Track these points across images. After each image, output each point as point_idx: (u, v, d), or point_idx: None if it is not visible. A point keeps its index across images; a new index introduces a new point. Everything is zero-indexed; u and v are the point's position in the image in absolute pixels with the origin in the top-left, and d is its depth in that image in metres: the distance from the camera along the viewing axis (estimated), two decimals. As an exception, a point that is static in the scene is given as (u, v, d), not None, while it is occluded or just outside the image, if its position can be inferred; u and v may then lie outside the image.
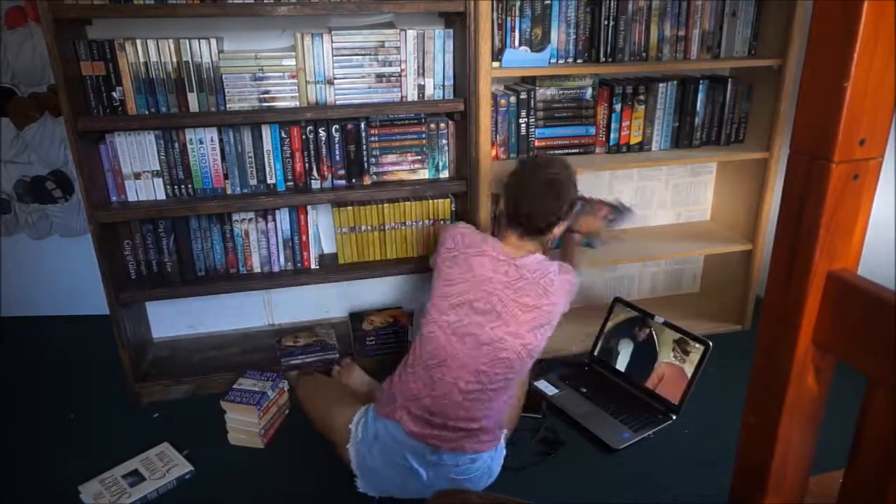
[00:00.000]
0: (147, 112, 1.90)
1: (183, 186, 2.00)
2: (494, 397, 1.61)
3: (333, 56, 1.95)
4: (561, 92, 2.16)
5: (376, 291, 2.48)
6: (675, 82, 2.23)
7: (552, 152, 2.20)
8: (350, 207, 2.12)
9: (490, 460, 1.65)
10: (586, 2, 2.06)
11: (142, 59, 1.86)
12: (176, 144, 1.95)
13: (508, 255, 1.65)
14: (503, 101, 2.11)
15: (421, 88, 2.04)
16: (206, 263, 2.10)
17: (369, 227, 2.16)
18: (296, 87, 1.96)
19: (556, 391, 2.10)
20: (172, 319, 2.38)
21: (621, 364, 2.18)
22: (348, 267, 2.18)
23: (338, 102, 2.00)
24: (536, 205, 1.65)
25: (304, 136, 2.01)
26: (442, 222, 2.19)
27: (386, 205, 2.14)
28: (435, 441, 1.57)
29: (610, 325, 2.26)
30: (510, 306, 1.60)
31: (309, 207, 2.10)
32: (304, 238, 2.13)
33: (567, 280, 1.68)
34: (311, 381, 1.99)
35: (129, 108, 1.89)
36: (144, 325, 2.30)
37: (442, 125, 2.10)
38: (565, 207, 1.69)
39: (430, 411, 1.58)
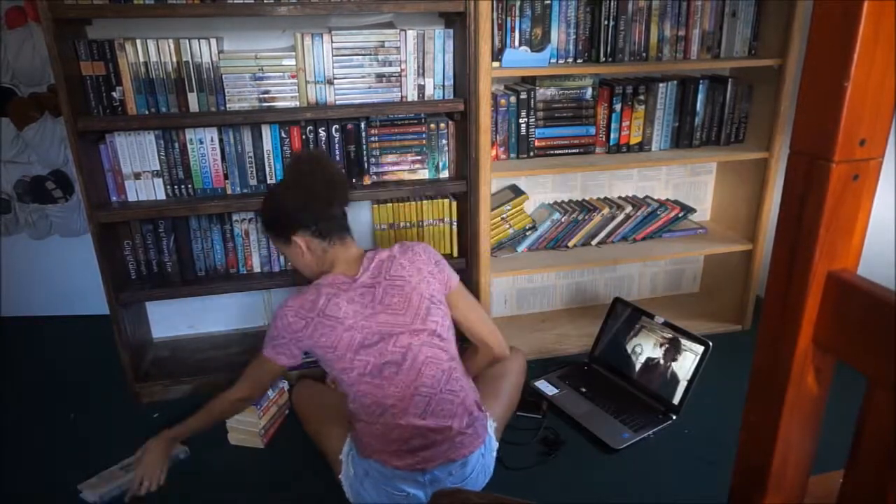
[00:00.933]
0: (147, 112, 1.90)
1: (183, 186, 2.00)
2: (450, 394, 1.55)
3: (333, 56, 1.95)
4: (561, 92, 2.16)
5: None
6: (675, 82, 2.23)
7: (552, 152, 2.21)
8: (390, 204, 2.14)
9: (482, 457, 1.61)
10: (586, 2, 2.06)
11: (142, 59, 1.86)
12: (176, 144, 1.95)
13: (347, 278, 1.54)
14: (503, 101, 2.11)
15: (421, 88, 2.04)
16: (206, 263, 2.10)
17: (408, 224, 2.18)
18: (296, 87, 1.96)
19: (556, 391, 2.11)
20: (172, 319, 2.38)
21: (626, 366, 2.17)
22: None
23: (338, 102, 2.00)
24: (329, 196, 1.54)
25: (304, 136, 2.01)
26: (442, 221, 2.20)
27: (425, 202, 2.17)
28: (421, 465, 1.53)
29: (610, 325, 2.26)
30: (387, 318, 1.52)
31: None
32: (304, 238, 2.13)
33: (415, 253, 1.59)
34: (306, 391, 1.95)
35: (129, 108, 1.89)
36: (144, 325, 2.30)
37: (442, 125, 2.10)
38: (346, 186, 1.65)
39: (403, 442, 1.53)
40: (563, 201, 2.43)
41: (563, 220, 2.28)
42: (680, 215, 2.38)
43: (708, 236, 2.44)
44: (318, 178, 1.56)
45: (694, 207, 2.44)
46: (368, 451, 1.56)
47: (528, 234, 2.27)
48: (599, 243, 2.35)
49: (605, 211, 2.30)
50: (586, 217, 2.29)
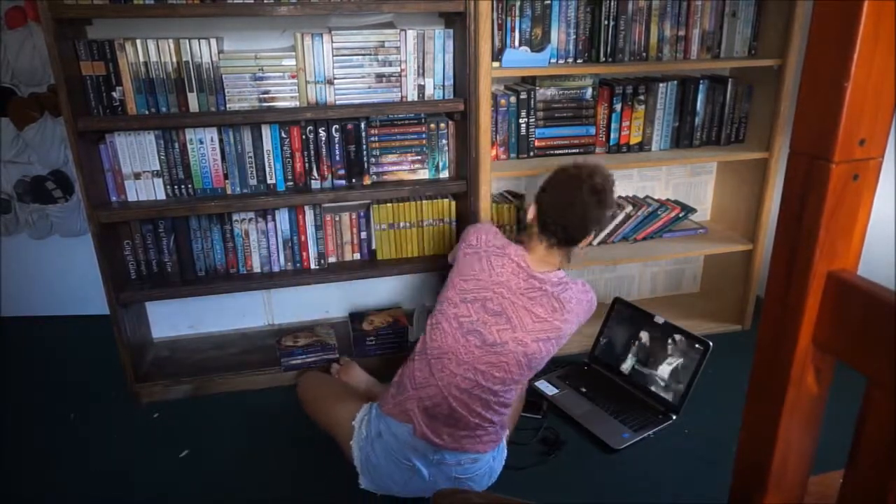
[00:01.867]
0: (147, 112, 1.90)
1: (183, 186, 2.00)
2: (492, 402, 1.59)
3: (333, 56, 1.95)
4: (561, 92, 2.16)
5: (377, 291, 2.48)
6: (675, 82, 2.23)
7: (552, 152, 2.21)
8: (390, 204, 2.15)
9: (492, 461, 1.65)
10: (586, 2, 2.06)
11: (142, 59, 1.86)
12: (176, 144, 1.95)
13: (529, 266, 1.60)
14: (503, 101, 2.11)
15: (421, 88, 2.04)
16: (206, 263, 2.10)
17: (407, 224, 2.19)
18: (296, 87, 1.96)
19: (556, 391, 2.11)
20: (172, 319, 2.38)
21: (626, 366, 2.17)
22: (383, 263, 2.20)
23: (338, 102, 2.00)
24: (580, 216, 1.57)
25: (304, 136, 2.01)
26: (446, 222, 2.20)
27: (425, 202, 2.18)
28: (438, 441, 1.57)
29: (610, 325, 2.26)
30: (521, 313, 1.57)
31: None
32: (303, 238, 2.13)
33: (587, 300, 1.65)
34: (310, 378, 1.98)
35: (129, 108, 1.89)
36: (144, 325, 2.30)
37: (442, 125, 2.10)
38: (607, 219, 1.67)
39: (433, 401, 1.57)
40: None
41: None
42: (680, 215, 2.38)
43: (708, 236, 2.44)
44: (564, 198, 1.59)
45: (694, 207, 2.44)
46: (398, 405, 1.60)
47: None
48: (600, 243, 2.35)
49: None
50: None
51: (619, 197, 2.46)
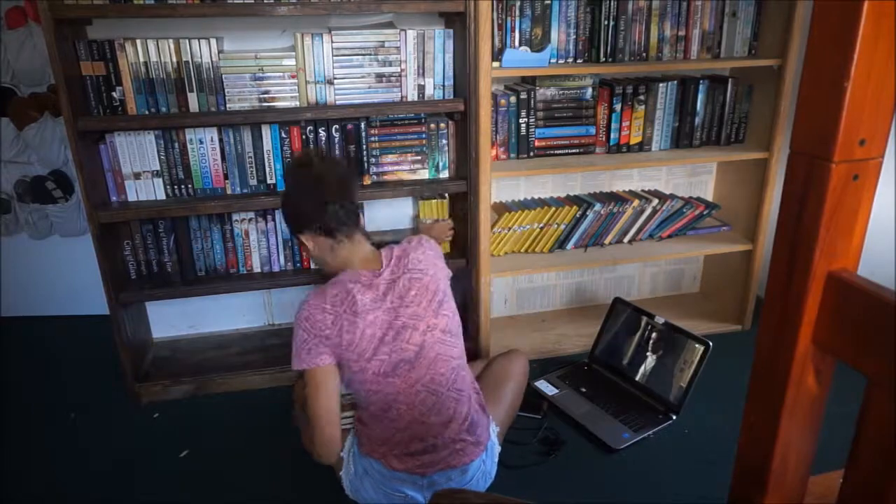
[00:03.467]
0: (147, 112, 1.90)
1: (183, 186, 2.00)
2: (456, 393, 1.55)
3: (333, 56, 1.95)
4: (561, 92, 2.16)
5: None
6: (675, 82, 2.23)
7: (552, 152, 2.21)
8: (435, 200, 2.17)
9: (482, 464, 1.61)
10: (586, 2, 2.06)
11: (142, 59, 1.86)
12: (176, 144, 1.95)
13: (370, 274, 1.51)
14: (503, 101, 2.11)
15: (421, 88, 2.04)
16: (206, 263, 2.10)
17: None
18: (296, 87, 1.96)
19: (556, 391, 2.11)
20: (172, 319, 2.38)
21: (626, 366, 2.17)
22: None
23: (338, 102, 2.00)
24: (334, 183, 1.52)
25: (304, 136, 2.01)
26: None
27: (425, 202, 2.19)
28: (421, 469, 1.53)
29: (610, 324, 2.26)
30: (407, 313, 1.50)
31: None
32: (304, 238, 2.13)
33: (426, 247, 1.60)
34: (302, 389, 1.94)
35: (129, 108, 1.89)
36: (144, 325, 2.30)
37: (442, 125, 2.10)
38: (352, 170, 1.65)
39: (405, 445, 1.53)
40: (590, 193, 2.45)
41: (602, 211, 2.27)
42: (704, 213, 2.39)
43: (708, 236, 2.44)
44: (308, 180, 1.54)
45: (717, 204, 2.44)
46: (369, 449, 1.56)
47: (574, 229, 2.29)
48: (631, 240, 2.36)
49: (636, 203, 2.30)
50: (621, 209, 2.29)
51: (642, 191, 2.45)
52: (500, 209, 2.27)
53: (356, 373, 1.50)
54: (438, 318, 1.54)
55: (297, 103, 1.97)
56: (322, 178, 1.53)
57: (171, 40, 1.86)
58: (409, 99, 2.04)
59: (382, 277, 1.52)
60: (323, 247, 1.54)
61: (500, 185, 2.37)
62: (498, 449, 1.69)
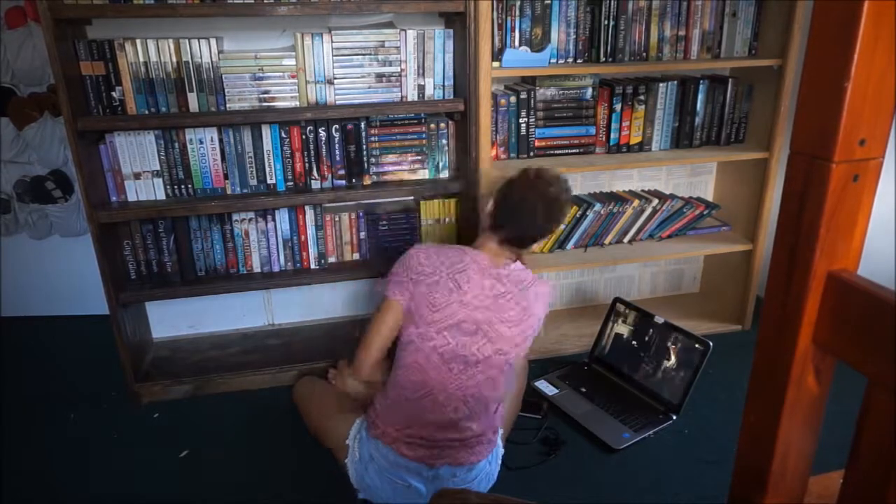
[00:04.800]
0: (147, 112, 1.90)
1: (183, 186, 2.00)
2: (485, 411, 1.61)
3: (333, 56, 1.95)
4: (561, 92, 2.16)
5: (376, 291, 2.47)
6: (675, 82, 2.23)
7: (552, 152, 2.21)
8: (436, 200, 2.16)
9: (488, 465, 1.64)
10: (586, 2, 2.06)
11: (142, 59, 1.86)
12: (176, 144, 1.95)
13: (490, 264, 1.58)
14: (503, 101, 2.11)
15: (421, 88, 2.04)
16: (206, 263, 2.10)
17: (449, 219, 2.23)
18: (296, 87, 1.96)
19: (556, 391, 2.11)
20: (172, 319, 2.38)
21: (626, 366, 2.17)
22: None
23: (338, 102, 2.00)
24: (533, 223, 1.59)
25: (304, 136, 2.01)
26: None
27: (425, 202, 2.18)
28: (430, 460, 1.55)
29: (610, 325, 2.26)
30: (496, 325, 1.56)
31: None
32: (303, 238, 2.13)
33: (545, 292, 1.65)
34: (307, 387, 1.95)
35: (129, 108, 1.89)
36: (144, 325, 2.30)
37: (442, 125, 2.10)
38: (554, 229, 1.67)
39: (421, 436, 1.55)
40: (590, 193, 2.45)
41: (602, 211, 2.27)
42: (704, 213, 2.39)
43: (708, 236, 2.44)
44: (530, 195, 1.59)
45: (717, 204, 2.44)
46: (380, 433, 1.57)
47: (574, 229, 2.29)
48: (631, 240, 2.36)
49: (636, 203, 2.30)
50: (621, 209, 2.29)
51: (642, 191, 2.45)
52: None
53: (420, 336, 1.55)
54: (513, 351, 1.60)
55: (297, 103, 1.97)
56: (538, 202, 1.58)
57: (171, 40, 1.86)
58: (409, 99, 2.04)
59: (497, 272, 1.58)
60: (487, 226, 1.64)
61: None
62: (501, 451, 1.71)
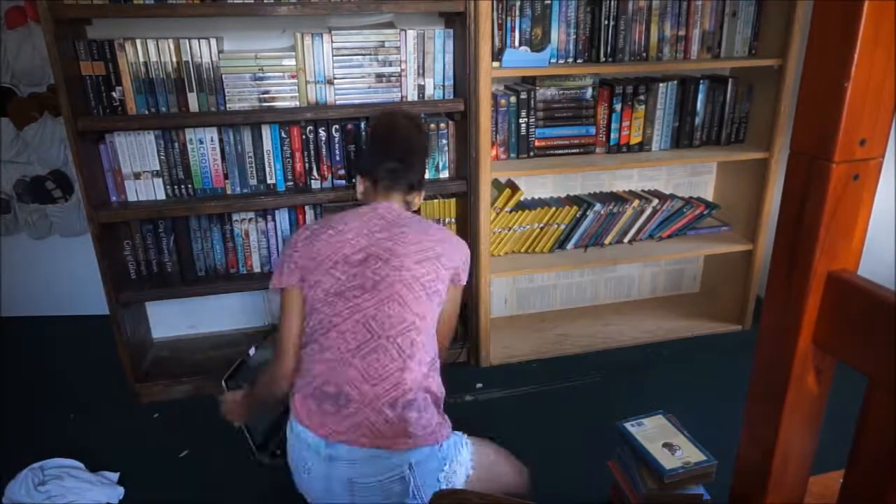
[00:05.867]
0: (147, 112, 1.90)
1: (183, 186, 2.00)
2: (396, 349, 1.33)
3: (333, 56, 1.95)
4: (561, 92, 2.16)
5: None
6: (675, 82, 2.23)
7: (552, 152, 2.20)
8: (436, 200, 2.16)
9: (410, 472, 1.29)
10: (586, 2, 2.06)
11: (142, 59, 1.86)
12: (176, 144, 1.95)
13: (369, 208, 1.44)
14: (503, 101, 2.11)
15: (421, 88, 2.04)
16: (206, 263, 2.10)
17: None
18: (296, 87, 1.96)
19: None
20: (172, 319, 2.38)
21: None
22: None
23: (338, 102, 2.00)
24: (404, 142, 1.51)
25: (304, 136, 2.01)
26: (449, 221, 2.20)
27: (425, 202, 2.18)
28: (323, 430, 1.31)
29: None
30: (388, 245, 1.38)
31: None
32: (304, 238, 2.13)
33: (462, 242, 1.50)
34: None
35: (129, 108, 1.89)
36: (144, 325, 2.30)
37: (442, 125, 2.10)
38: (428, 149, 1.62)
39: (320, 385, 1.33)
40: (590, 193, 2.45)
41: (602, 211, 2.27)
42: (704, 213, 2.39)
43: (708, 236, 2.44)
44: (382, 134, 1.58)
45: (717, 204, 2.44)
46: (293, 401, 1.37)
47: (574, 229, 2.29)
48: (631, 240, 2.36)
49: (636, 203, 2.30)
50: (621, 209, 2.29)
51: (642, 191, 2.46)
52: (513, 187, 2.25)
53: (310, 288, 1.38)
54: (416, 267, 1.38)
55: (297, 103, 1.97)
56: (391, 136, 1.54)
57: (171, 40, 1.86)
58: (409, 99, 2.04)
59: (377, 210, 1.44)
60: (366, 192, 1.53)
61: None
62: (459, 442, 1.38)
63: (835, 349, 0.68)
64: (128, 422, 2.03)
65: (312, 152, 2.03)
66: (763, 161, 2.26)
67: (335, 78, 1.97)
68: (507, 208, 2.20)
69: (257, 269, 2.14)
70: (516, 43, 2.05)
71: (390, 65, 2.00)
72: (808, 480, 0.80)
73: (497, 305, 2.57)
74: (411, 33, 1.97)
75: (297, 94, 1.96)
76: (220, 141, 1.97)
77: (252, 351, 1.92)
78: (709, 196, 2.60)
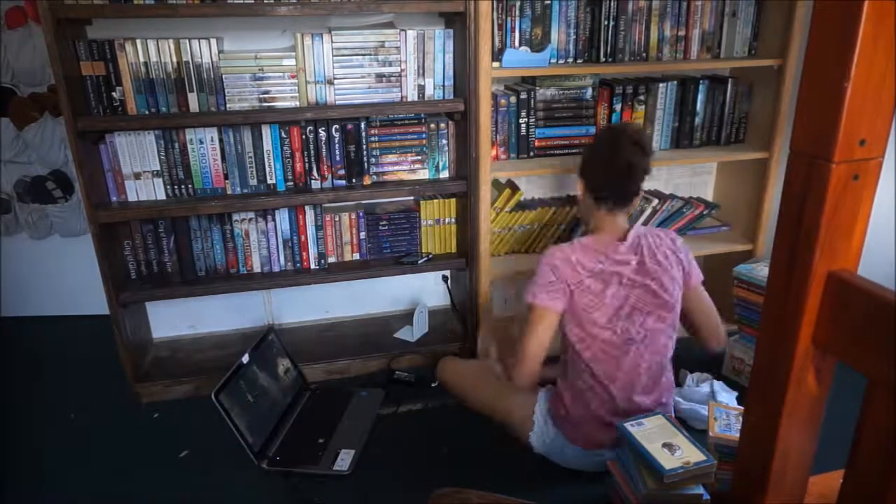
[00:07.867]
0: (147, 112, 1.90)
1: (183, 186, 2.00)
2: (667, 380, 1.72)
3: (333, 56, 1.95)
4: (561, 92, 2.16)
5: (377, 291, 2.48)
6: (675, 82, 2.23)
7: (552, 152, 2.20)
8: (436, 200, 2.18)
9: None
10: (586, 2, 2.06)
11: (142, 59, 1.86)
12: (176, 144, 1.95)
13: (613, 240, 1.65)
14: (503, 101, 2.11)
15: (421, 88, 2.04)
16: (206, 263, 2.10)
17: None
18: (296, 87, 1.96)
19: None
20: (172, 319, 2.38)
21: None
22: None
23: (338, 102, 2.00)
24: (625, 166, 1.62)
25: (304, 136, 2.01)
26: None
27: (425, 201, 2.19)
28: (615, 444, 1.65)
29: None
30: (646, 297, 1.64)
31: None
32: (303, 238, 2.13)
33: (668, 239, 1.73)
34: (457, 366, 2.09)
35: (129, 108, 1.89)
36: (144, 325, 2.30)
37: (442, 125, 2.10)
38: (650, 167, 1.68)
39: (610, 416, 1.65)
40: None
41: None
42: (704, 213, 2.39)
43: (708, 236, 2.44)
44: (607, 154, 1.66)
45: (717, 204, 2.44)
46: (572, 437, 1.69)
47: (575, 229, 2.29)
48: None
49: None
50: None
51: (643, 191, 2.45)
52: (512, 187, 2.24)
53: (585, 337, 1.63)
54: (671, 313, 1.67)
55: (297, 103, 1.97)
56: (616, 160, 1.64)
57: (171, 40, 1.86)
58: (409, 99, 2.04)
59: (624, 248, 1.64)
60: (586, 202, 1.72)
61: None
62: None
63: (835, 349, 0.68)
64: (128, 422, 2.03)
65: (312, 152, 2.03)
66: (763, 161, 2.26)
67: (335, 78, 1.97)
68: (507, 208, 2.20)
69: (257, 269, 2.14)
70: (516, 43, 2.05)
71: (390, 65, 2.00)
72: (808, 480, 0.80)
73: (497, 305, 2.57)
74: (411, 33, 1.97)
75: (297, 94, 1.96)
76: (221, 141, 1.97)
77: (245, 358, 1.93)
78: (709, 196, 2.60)
